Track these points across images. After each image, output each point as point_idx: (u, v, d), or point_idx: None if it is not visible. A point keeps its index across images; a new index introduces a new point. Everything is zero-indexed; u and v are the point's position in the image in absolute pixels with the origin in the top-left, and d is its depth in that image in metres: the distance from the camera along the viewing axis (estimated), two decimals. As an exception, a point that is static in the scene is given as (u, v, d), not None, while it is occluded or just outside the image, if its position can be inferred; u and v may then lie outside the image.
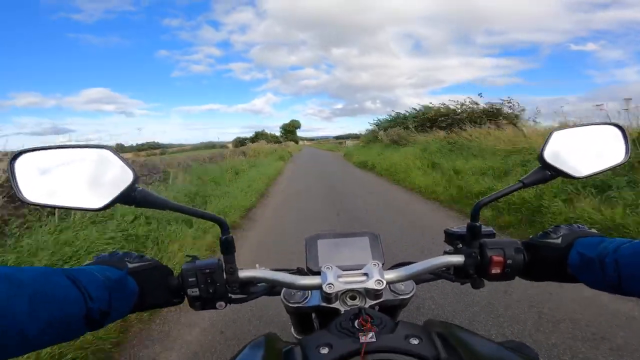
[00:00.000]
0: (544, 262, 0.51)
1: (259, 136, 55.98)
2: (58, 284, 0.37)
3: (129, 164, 0.45)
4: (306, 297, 0.59)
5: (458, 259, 0.53)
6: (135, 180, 0.44)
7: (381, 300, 0.55)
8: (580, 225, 0.53)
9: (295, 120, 79.73)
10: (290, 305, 0.59)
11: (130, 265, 0.47)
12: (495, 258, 0.51)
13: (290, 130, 77.24)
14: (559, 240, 0.50)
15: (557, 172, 0.51)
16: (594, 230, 0.52)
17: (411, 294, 0.59)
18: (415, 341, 0.41)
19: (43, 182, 0.44)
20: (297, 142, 67.11)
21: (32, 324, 0.33)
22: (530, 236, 0.54)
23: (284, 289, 0.60)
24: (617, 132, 0.56)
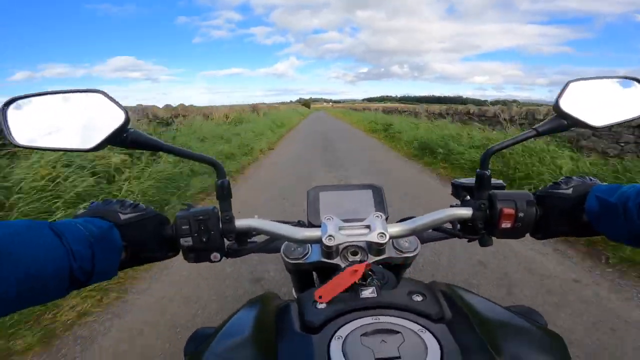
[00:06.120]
0: (556, 215, 0.49)
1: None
2: (43, 238, 0.35)
3: (121, 106, 0.43)
4: (306, 253, 0.57)
5: (465, 211, 0.50)
6: (127, 121, 0.43)
7: (384, 257, 0.54)
8: (592, 178, 0.51)
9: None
10: (290, 261, 0.57)
11: (122, 217, 0.45)
12: (506, 210, 0.48)
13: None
14: (569, 191, 0.48)
15: (573, 121, 0.49)
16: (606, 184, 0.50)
17: (415, 252, 0.57)
18: (418, 298, 0.40)
19: (34, 126, 0.44)
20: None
21: (6, 283, 0.31)
22: (540, 188, 0.52)
23: (283, 245, 0.58)
24: (636, 86, 0.54)
